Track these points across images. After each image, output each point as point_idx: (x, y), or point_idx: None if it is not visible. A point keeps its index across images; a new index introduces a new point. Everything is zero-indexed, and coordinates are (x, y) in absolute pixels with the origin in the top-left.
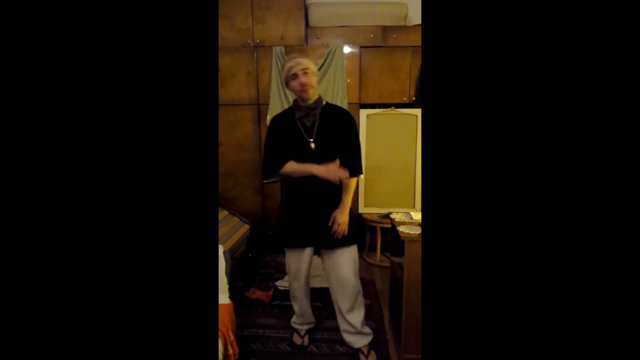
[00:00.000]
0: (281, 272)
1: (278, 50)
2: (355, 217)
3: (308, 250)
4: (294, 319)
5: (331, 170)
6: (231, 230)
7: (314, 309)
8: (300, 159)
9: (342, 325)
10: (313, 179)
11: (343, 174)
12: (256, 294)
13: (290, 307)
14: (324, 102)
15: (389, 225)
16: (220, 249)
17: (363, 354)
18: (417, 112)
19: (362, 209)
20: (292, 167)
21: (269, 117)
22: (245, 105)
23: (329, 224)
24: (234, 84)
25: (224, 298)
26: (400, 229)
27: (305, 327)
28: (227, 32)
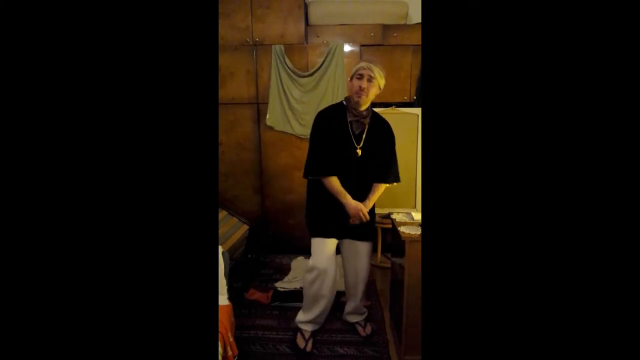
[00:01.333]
0: (281, 273)
1: (278, 48)
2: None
3: (334, 241)
4: (301, 317)
5: (357, 212)
6: (230, 231)
7: None
8: (345, 163)
9: (348, 308)
10: (345, 178)
11: (364, 218)
12: (255, 295)
13: (290, 308)
14: (371, 110)
15: (390, 226)
16: (220, 249)
17: (360, 325)
18: (418, 111)
19: None
20: (331, 184)
21: (268, 116)
22: (245, 104)
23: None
24: (233, 83)
25: (223, 299)
26: (401, 229)
27: (311, 329)
28: (227, 30)
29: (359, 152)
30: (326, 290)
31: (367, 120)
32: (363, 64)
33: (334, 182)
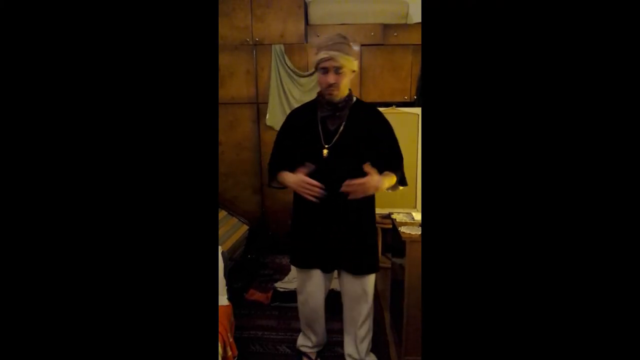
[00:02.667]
0: (281, 273)
1: (277, 48)
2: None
3: (318, 272)
4: (302, 341)
5: (300, 182)
6: (230, 231)
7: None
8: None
9: (346, 348)
10: (329, 192)
11: (313, 191)
12: (255, 295)
13: (290, 308)
14: (354, 100)
15: (390, 226)
16: (219, 249)
17: None
18: (418, 111)
19: None
20: (282, 177)
21: (268, 116)
22: (245, 104)
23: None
24: (233, 83)
25: (222, 299)
26: (402, 229)
27: (316, 350)
28: (227, 30)
29: (325, 152)
30: (319, 309)
31: (345, 113)
32: (323, 53)
33: (284, 175)
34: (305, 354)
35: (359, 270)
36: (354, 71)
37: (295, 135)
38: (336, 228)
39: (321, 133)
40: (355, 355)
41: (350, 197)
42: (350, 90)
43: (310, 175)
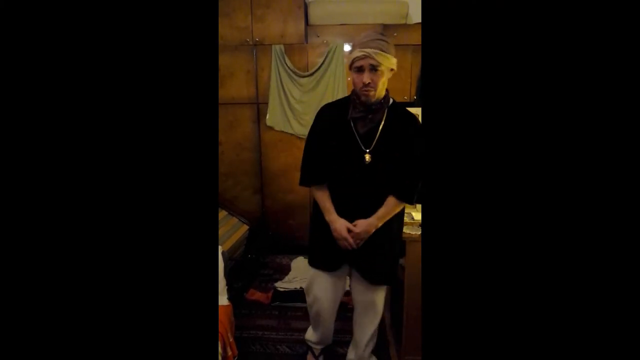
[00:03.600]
0: (281, 273)
1: (278, 48)
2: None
3: (330, 276)
4: (309, 335)
5: (341, 235)
6: (230, 231)
7: None
8: (350, 174)
9: (349, 355)
10: (348, 192)
11: (349, 244)
12: (255, 295)
13: (290, 308)
14: (390, 102)
15: None
16: (219, 249)
17: None
18: (418, 111)
19: None
20: (317, 196)
21: (268, 116)
22: (245, 104)
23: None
24: (233, 83)
25: (223, 299)
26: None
27: (321, 346)
28: (227, 30)
29: (368, 157)
30: (325, 314)
31: (379, 117)
32: (358, 52)
33: (321, 194)
34: (311, 348)
35: (372, 278)
36: (392, 70)
37: (328, 135)
38: (374, 234)
39: (356, 135)
40: (352, 356)
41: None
42: (387, 91)
43: (348, 182)
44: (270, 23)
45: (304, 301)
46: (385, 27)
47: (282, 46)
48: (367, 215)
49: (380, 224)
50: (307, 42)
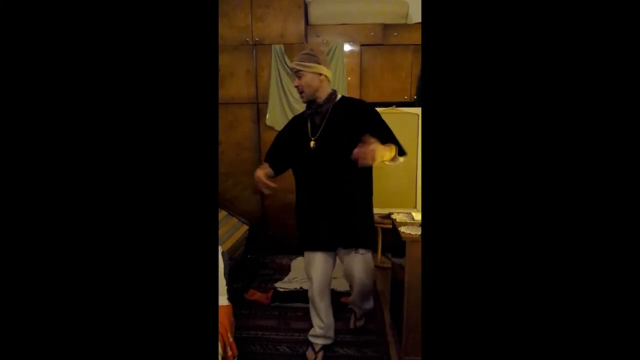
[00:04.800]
0: (281, 273)
1: (277, 48)
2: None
3: (320, 255)
4: (311, 331)
5: (256, 175)
6: (230, 231)
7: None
8: (301, 159)
9: (350, 298)
10: (320, 175)
11: (264, 187)
12: (255, 295)
13: (290, 308)
14: (338, 98)
15: (390, 226)
16: (220, 250)
17: (355, 316)
18: (418, 111)
19: None
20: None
21: (268, 116)
22: (245, 104)
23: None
24: (233, 83)
25: (222, 299)
26: (402, 229)
27: (322, 342)
28: (226, 30)
29: (312, 143)
30: (315, 290)
31: (326, 108)
32: (292, 64)
33: (264, 164)
34: (312, 344)
35: (353, 244)
36: (320, 74)
37: (289, 132)
38: (331, 212)
39: (309, 128)
40: (351, 298)
41: (361, 163)
42: (333, 90)
43: (300, 163)
44: (270, 23)
45: (304, 301)
46: (385, 27)
47: (282, 46)
48: (322, 190)
49: (382, 153)
50: (307, 42)
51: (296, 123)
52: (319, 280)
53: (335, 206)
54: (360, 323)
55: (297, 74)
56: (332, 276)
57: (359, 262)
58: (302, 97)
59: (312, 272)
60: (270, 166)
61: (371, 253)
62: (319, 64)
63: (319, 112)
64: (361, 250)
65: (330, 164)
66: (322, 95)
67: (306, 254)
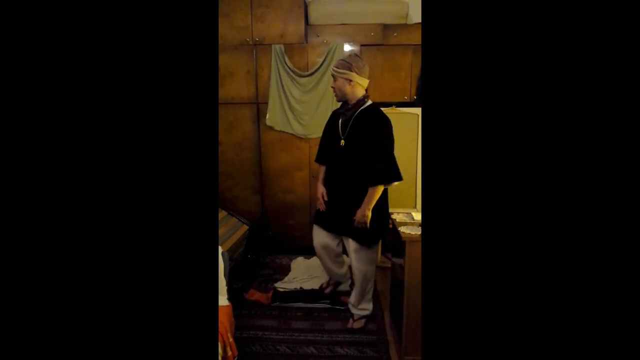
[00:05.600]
0: (281, 273)
1: (277, 48)
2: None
3: (323, 230)
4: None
5: (317, 195)
6: (230, 231)
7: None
8: (333, 154)
9: (350, 298)
10: (341, 173)
11: (321, 205)
12: (255, 295)
13: (290, 308)
14: (367, 103)
15: (390, 226)
16: (220, 250)
17: (351, 318)
18: (418, 111)
19: None
20: (320, 174)
21: (268, 116)
22: (245, 104)
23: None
24: (233, 83)
25: (222, 299)
26: (402, 229)
27: (332, 282)
28: (226, 30)
29: (342, 142)
30: (319, 252)
31: (352, 113)
32: (331, 67)
33: (320, 169)
34: (322, 284)
35: (346, 233)
36: (350, 80)
37: (328, 127)
38: (339, 202)
39: (340, 126)
40: (353, 301)
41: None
42: (363, 97)
43: (332, 155)
44: (270, 23)
45: (304, 301)
46: (385, 27)
47: (282, 46)
48: (341, 186)
49: (367, 209)
50: (307, 42)
51: (333, 117)
52: (316, 246)
53: (345, 200)
54: (357, 325)
55: (333, 77)
56: (337, 250)
57: (353, 252)
58: (335, 97)
59: (314, 240)
60: (320, 158)
61: (365, 249)
62: (351, 71)
63: (347, 114)
64: (351, 242)
65: (351, 164)
66: (352, 99)
67: (314, 226)
